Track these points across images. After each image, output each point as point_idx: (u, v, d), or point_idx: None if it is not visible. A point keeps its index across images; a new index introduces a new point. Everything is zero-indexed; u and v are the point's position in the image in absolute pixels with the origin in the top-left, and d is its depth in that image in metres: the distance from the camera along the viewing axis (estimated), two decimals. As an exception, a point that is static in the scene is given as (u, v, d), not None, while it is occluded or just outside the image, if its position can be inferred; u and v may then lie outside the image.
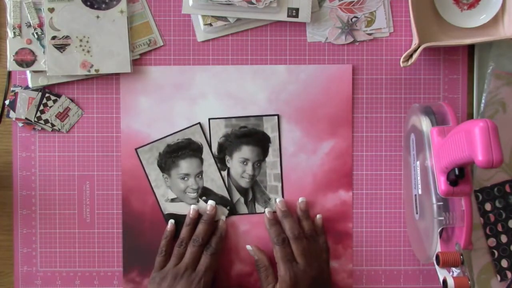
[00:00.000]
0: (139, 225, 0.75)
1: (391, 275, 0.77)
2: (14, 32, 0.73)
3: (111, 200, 0.76)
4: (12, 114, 0.74)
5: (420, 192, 0.69)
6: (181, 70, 0.75)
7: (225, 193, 0.75)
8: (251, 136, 0.74)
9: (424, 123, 0.68)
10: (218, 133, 0.74)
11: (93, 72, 0.74)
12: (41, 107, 0.74)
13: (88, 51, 0.73)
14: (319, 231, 0.74)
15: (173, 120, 0.75)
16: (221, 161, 0.75)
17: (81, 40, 0.73)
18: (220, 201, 0.75)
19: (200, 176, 0.75)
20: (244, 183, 0.75)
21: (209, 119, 0.74)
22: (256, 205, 0.75)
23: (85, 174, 0.76)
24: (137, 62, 0.75)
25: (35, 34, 0.73)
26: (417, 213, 0.71)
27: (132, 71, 0.75)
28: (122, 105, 0.75)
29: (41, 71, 0.74)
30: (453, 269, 0.65)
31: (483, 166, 0.54)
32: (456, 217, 0.64)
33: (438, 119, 0.68)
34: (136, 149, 0.74)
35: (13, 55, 0.73)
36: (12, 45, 0.73)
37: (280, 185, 0.75)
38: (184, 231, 0.73)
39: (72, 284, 0.76)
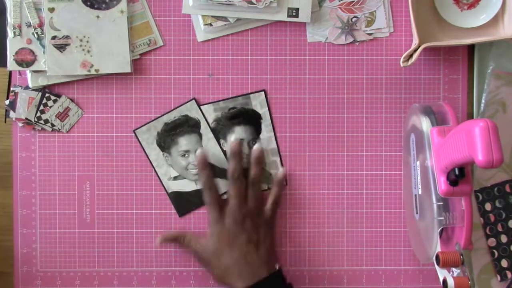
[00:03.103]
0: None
1: (391, 275, 0.77)
2: (14, 32, 0.73)
3: (111, 200, 0.76)
4: (12, 114, 0.74)
5: (420, 192, 0.69)
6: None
7: (226, 166, 0.75)
8: (242, 115, 0.75)
9: (424, 123, 0.68)
10: (208, 119, 0.75)
11: (93, 72, 0.74)
12: (41, 107, 0.74)
13: (88, 51, 0.73)
14: (274, 183, 0.75)
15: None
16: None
17: (81, 40, 0.73)
18: (223, 175, 0.75)
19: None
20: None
21: (198, 105, 0.74)
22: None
23: (85, 174, 0.76)
24: (137, 62, 0.75)
25: (35, 34, 0.73)
26: (417, 213, 0.71)
27: (132, 71, 0.75)
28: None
29: (41, 71, 0.74)
30: (453, 269, 0.65)
31: (483, 166, 0.54)
32: (456, 217, 0.64)
33: (438, 119, 0.68)
34: (134, 131, 0.74)
35: (13, 55, 0.73)
36: (12, 45, 0.73)
37: (278, 159, 0.75)
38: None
39: (72, 284, 0.76)
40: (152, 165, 0.75)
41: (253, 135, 0.75)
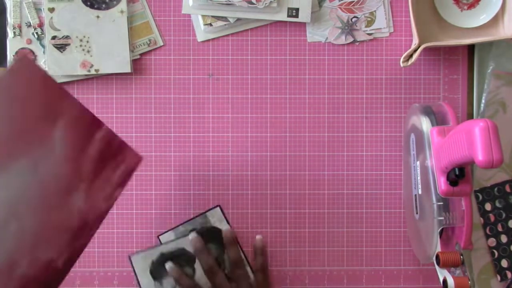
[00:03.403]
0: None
1: (391, 275, 0.77)
2: (14, 32, 0.73)
3: (111, 200, 0.76)
4: (12, 114, 0.74)
5: (420, 192, 0.69)
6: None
7: None
8: (203, 235, 0.73)
9: (424, 123, 0.68)
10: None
11: (93, 72, 0.74)
12: (41, 107, 0.74)
13: (88, 51, 0.73)
14: (257, 252, 0.74)
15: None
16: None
17: (81, 40, 0.73)
18: None
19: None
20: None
21: (158, 236, 0.74)
22: None
23: (85, 174, 0.76)
24: (137, 62, 0.75)
25: (35, 34, 0.73)
26: (417, 213, 0.71)
27: (132, 71, 0.75)
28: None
29: (41, 71, 0.74)
30: (453, 269, 0.65)
31: (483, 166, 0.54)
32: (456, 217, 0.64)
33: (438, 119, 0.68)
34: (129, 256, 0.73)
35: (13, 55, 0.73)
36: (12, 45, 0.73)
37: (249, 269, 0.74)
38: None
39: (72, 284, 0.76)
40: None
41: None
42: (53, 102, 0.54)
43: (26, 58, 0.52)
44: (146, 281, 0.73)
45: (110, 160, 0.60)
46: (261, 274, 0.73)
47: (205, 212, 0.74)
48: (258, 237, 0.74)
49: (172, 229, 0.74)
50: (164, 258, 0.73)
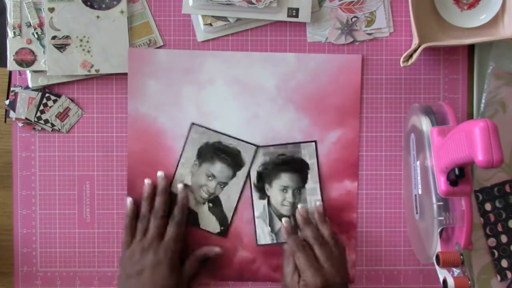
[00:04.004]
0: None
1: (391, 275, 0.77)
2: (14, 32, 0.73)
3: (111, 200, 0.76)
4: (12, 114, 0.74)
5: (420, 192, 0.69)
6: (190, 55, 0.74)
7: (229, 214, 0.74)
8: (290, 163, 0.74)
9: (424, 123, 0.68)
10: (256, 162, 0.74)
11: (93, 72, 0.74)
12: (41, 107, 0.74)
13: (88, 51, 0.73)
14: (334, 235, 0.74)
15: (181, 104, 0.74)
16: (260, 190, 0.74)
17: (81, 40, 0.73)
18: (220, 218, 0.75)
19: (222, 186, 0.74)
20: (285, 210, 0.75)
21: (255, 152, 0.74)
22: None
23: (85, 174, 0.76)
24: (137, 62, 0.75)
25: (35, 34, 0.73)
26: (417, 213, 0.71)
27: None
28: (130, 86, 0.74)
29: (41, 71, 0.74)
30: (453, 269, 0.65)
31: (483, 166, 0.54)
32: (456, 217, 0.64)
33: (438, 119, 0.68)
34: (192, 123, 0.73)
35: (13, 55, 0.73)
36: (12, 45, 0.73)
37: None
38: (144, 206, 0.73)
39: (72, 284, 0.76)
40: (179, 160, 0.74)
41: (298, 184, 0.75)
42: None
43: None
44: (189, 154, 0.73)
45: None
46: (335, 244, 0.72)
47: (300, 142, 0.73)
48: (318, 202, 0.74)
49: (263, 146, 0.74)
50: (219, 146, 0.73)
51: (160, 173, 0.74)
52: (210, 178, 0.74)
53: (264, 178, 0.74)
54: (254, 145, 0.74)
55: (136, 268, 0.69)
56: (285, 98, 0.74)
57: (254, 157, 0.74)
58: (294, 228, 0.73)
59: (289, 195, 0.74)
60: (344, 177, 0.75)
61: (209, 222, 0.75)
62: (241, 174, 0.74)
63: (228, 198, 0.75)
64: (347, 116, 0.75)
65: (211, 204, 0.75)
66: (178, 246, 0.71)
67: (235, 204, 0.75)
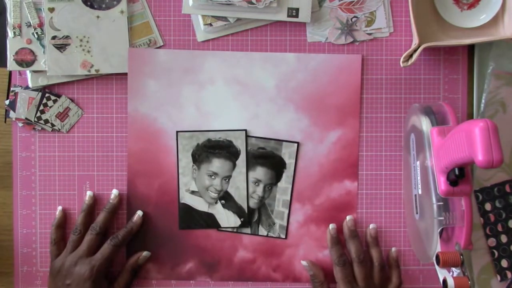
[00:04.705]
0: (143, 208, 0.75)
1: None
2: (14, 32, 0.73)
3: (111, 200, 0.76)
4: (12, 114, 0.74)
5: (420, 192, 0.69)
6: (190, 55, 0.74)
7: (244, 204, 0.74)
8: (267, 158, 0.74)
9: (424, 123, 0.68)
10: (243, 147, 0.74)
11: (93, 72, 0.74)
12: (41, 107, 0.74)
13: (88, 51, 0.73)
14: (392, 264, 0.75)
15: (181, 104, 0.74)
16: None
17: (81, 40, 0.73)
18: (237, 210, 0.75)
19: (227, 180, 0.74)
20: (252, 203, 0.75)
21: (246, 138, 0.74)
22: (260, 227, 0.75)
23: (85, 174, 0.76)
24: (137, 62, 0.75)
25: (35, 34, 0.73)
26: (417, 213, 0.71)
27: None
28: (130, 86, 0.74)
29: (41, 71, 0.74)
30: (453, 269, 0.65)
31: (483, 166, 0.54)
32: (456, 217, 0.64)
33: (438, 119, 0.68)
34: (177, 132, 0.73)
35: (13, 55, 0.73)
36: (12, 45, 0.73)
37: (287, 211, 0.75)
38: (80, 218, 0.73)
39: (72, 284, 0.76)
40: (178, 171, 0.74)
41: (272, 180, 0.75)
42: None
43: None
44: (185, 162, 0.73)
45: None
46: (392, 270, 0.74)
47: (282, 141, 0.73)
48: (372, 226, 0.74)
49: (246, 136, 0.74)
50: (210, 144, 0.73)
51: (115, 191, 0.74)
52: (212, 177, 0.74)
53: None
54: (242, 130, 0.73)
55: (64, 281, 0.69)
56: (285, 98, 0.74)
57: (246, 140, 0.74)
58: (338, 239, 0.73)
59: (259, 189, 0.74)
60: (344, 177, 0.75)
61: (228, 219, 0.75)
62: (241, 161, 0.74)
63: (238, 189, 0.74)
64: (347, 116, 0.75)
65: (223, 201, 0.75)
66: (106, 267, 0.70)
67: (245, 192, 0.75)
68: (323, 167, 0.75)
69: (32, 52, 0.73)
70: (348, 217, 0.74)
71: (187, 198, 0.75)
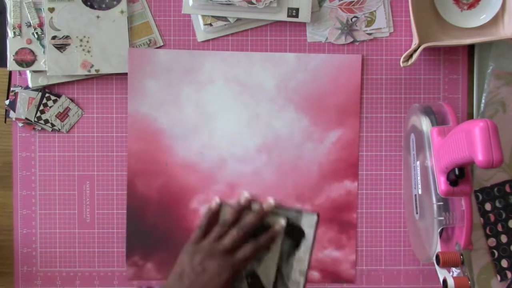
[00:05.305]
0: (143, 208, 0.75)
1: (391, 275, 0.77)
2: (14, 32, 0.73)
3: (111, 200, 0.76)
4: (12, 114, 0.74)
5: (420, 192, 0.69)
6: (190, 55, 0.74)
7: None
8: (288, 226, 0.70)
9: (424, 123, 0.68)
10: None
11: (93, 72, 0.74)
12: (41, 107, 0.74)
13: (88, 51, 0.73)
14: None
15: (181, 104, 0.74)
16: None
17: (81, 40, 0.73)
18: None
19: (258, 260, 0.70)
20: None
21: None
22: None
23: (85, 174, 0.76)
24: (137, 62, 0.75)
25: (35, 34, 0.73)
26: (417, 213, 0.71)
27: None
28: (130, 86, 0.74)
29: (41, 71, 0.74)
30: (453, 269, 0.65)
31: (483, 166, 0.54)
32: (456, 217, 0.64)
33: (438, 119, 0.68)
34: (221, 201, 0.66)
35: (13, 55, 0.73)
36: (12, 45, 0.73)
37: (303, 280, 0.71)
38: (231, 214, 0.67)
39: (72, 284, 0.76)
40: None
41: (290, 249, 0.69)
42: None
43: None
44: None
45: None
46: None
47: (303, 211, 0.69)
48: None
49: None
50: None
51: (271, 200, 0.66)
52: None
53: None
54: (298, 214, 0.67)
55: (197, 267, 0.66)
56: (285, 98, 0.74)
57: (301, 232, 0.67)
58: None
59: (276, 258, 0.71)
60: (344, 177, 0.75)
61: None
62: (275, 247, 0.66)
63: (266, 275, 0.67)
64: (347, 116, 0.75)
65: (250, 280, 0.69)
66: (243, 268, 0.66)
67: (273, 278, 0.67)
68: (323, 167, 0.75)
69: (32, 52, 0.73)
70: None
71: None
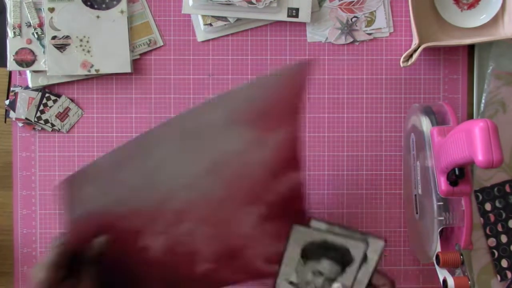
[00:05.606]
0: None
1: (391, 275, 0.77)
2: (14, 32, 0.73)
3: (111, 200, 0.76)
4: (12, 114, 0.74)
5: (420, 192, 0.69)
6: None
7: None
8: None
9: (424, 123, 0.68)
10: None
11: (93, 72, 0.74)
12: (41, 107, 0.74)
13: (88, 51, 0.73)
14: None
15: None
16: None
17: (81, 40, 0.73)
18: None
19: (330, 282, 0.70)
20: None
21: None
22: None
23: (85, 174, 0.76)
24: (137, 62, 0.75)
25: (35, 34, 0.73)
26: (417, 213, 0.71)
27: (132, 71, 0.75)
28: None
29: (41, 71, 0.74)
30: (453, 269, 0.65)
31: (483, 166, 0.54)
32: (456, 217, 0.64)
33: (438, 119, 0.68)
34: (293, 224, 0.67)
35: (13, 55, 0.73)
36: (12, 45, 0.73)
37: None
38: None
39: (72, 284, 0.76)
40: (281, 260, 0.67)
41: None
42: (292, 114, 0.59)
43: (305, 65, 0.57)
44: (292, 254, 0.68)
45: (284, 209, 0.65)
46: None
47: (368, 235, 0.65)
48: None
49: (328, 223, 0.68)
50: (325, 245, 0.67)
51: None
52: (316, 275, 0.71)
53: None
54: (364, 241, 0.66)
55: None
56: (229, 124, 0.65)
57: (364, 255, 0.66)
58: None
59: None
60: (289, 170, 0.68)
61: None
62: (350, 270, 0.67)
63: None
64: (288, 116, 0.66)
65: None
66: None
67: None
68: (269, 167, 0.68)
69: (32, 52, 0.73)
70: (335, 285, 0.69)
71: (282, 287, 0.71)
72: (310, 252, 0.68)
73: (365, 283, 0.65)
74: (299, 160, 0.66)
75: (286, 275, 0.69)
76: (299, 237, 0.68)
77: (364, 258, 0.66)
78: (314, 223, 0.67)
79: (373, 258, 0.66)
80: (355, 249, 0.65)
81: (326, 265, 0.67)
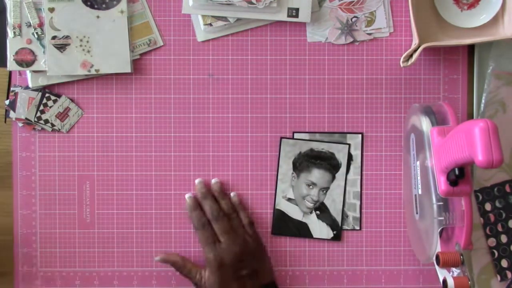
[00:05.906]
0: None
1: (391, 275, 0.77)
2: (14, 32, 0.73)
3: (111, 200, 0.76)
4: (12, 114, 0.74)
5: (420, 192, 0.69)
6: None
7: (338, 217, 0.75)
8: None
9: (424, 123, 0.68)
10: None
11: (93, 72, 0.74)
12: (41, 107, 0.74)
13: (88, 51, 0.73)
14: (237, 208, 0.75)
15: None
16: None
17: (81, 40, 0.73)
18: (331, 223, 0.75)
19: (324, 191, 0.75)
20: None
21: (294, 132, 0.75)
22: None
23: (85, 174, 0.76)
24: (137, 62, 0.75)
25: (35, 34, 0.73)
26: (417, 213, 0.71)
27: (132, 71, 0.75)
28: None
29: (41, 71, 0.74)
30: (453, 269, 0.65)
31: (483, 166, 0.54)
32: (456, 217, 0.64)
33: (438, 119, 0.68)
34: (281, 138, 0.74)
35: (13, 55, 0.73)
36: (12, 45, 0.73)
37: (358, 203, 0.75)
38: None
39: (72, 284, 0.76)
40: (277, 177, 0.75)
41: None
42: None
43: None
44: (285, 168, 0.74)
45: None
46: (251, 227, 0.75)
47: (347, 132, 0.73)
48: (214, 180, 0.75)
49: (309, 132, 0.74)
50: (312, 154, 0.74)
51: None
52: (310, 186, 0.75)
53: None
54: (346, 143, 0.74)
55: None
56: None
57: (348, 155, 0.74)
58: (196, 205, 0.74)
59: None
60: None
61: (321, 230, 0.75)
62: (340, 175, 0.74)
63: (334, 202, 0.75)
64: None
65: (318, 212, 0.75)
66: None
67: (341, 205, 0.75)
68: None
69: (32, 52, 0.73)
70: (196, 180, 0.75)
71: (282, 205, 0.75)
72: (300, 164, 0.74)
73: (359, 179, 0.72)
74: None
75: (283, 193, 0.74)
76: (289, 150, 0.73)
77: (350, 157, 0.72)
78: (297, 135, 0.73)
79: (357, 154, 0.71)
80: (339, 152, 0.71)
81: (317, 174, 0.73)
